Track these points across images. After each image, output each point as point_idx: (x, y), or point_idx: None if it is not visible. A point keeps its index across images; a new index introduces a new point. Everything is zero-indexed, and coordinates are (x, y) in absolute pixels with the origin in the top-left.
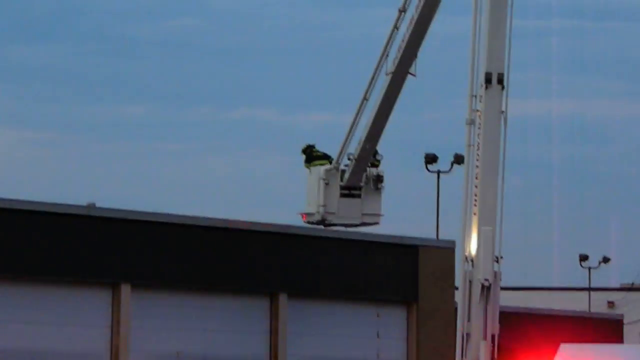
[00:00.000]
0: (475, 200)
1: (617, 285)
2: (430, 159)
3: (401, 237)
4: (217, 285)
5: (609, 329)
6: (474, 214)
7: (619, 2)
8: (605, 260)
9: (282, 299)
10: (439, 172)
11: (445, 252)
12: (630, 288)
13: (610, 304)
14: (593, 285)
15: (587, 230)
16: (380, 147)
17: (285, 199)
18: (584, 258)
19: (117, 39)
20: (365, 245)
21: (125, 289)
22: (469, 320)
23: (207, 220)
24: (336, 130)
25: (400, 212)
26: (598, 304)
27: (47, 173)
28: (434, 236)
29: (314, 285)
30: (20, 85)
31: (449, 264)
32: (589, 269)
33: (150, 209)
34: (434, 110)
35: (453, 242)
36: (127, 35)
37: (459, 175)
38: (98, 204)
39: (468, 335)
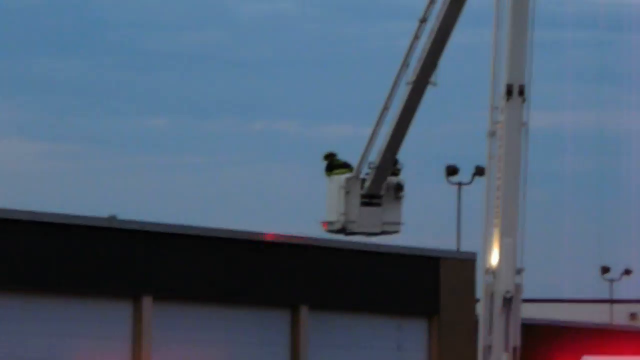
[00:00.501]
0: (497, 212)
1: (639, 297)
2: (452, 170)
3: (422, 249)
4: (239, 297)
5: (631, 341)
6: (495, 225)
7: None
8: (627, 272)
9: (304, 311)
10: (460, 184)
11: (466, 264)
12: None
13: (633, 316)
14: (615, 297)
15: (609, 242)
16: (401, 158)
17: (306, 210)
18: (605, 270)
19: (139, 52)
20: (386, 257)
21: (147, 302)
22: (490, 332)
23: (227, 232)
24: (357, 142)
25: (421, 223)
26: (620, 316)
27: (70, 186)
28: (455, 248)
29: (335, 298)
30: (43, 98)
31: (470, 276)
32: (611, 280)
33: (171, 221)
34: (455, 121)
35: (474, 254)
36: (149, 47)
37: (480, 187)
38: (120, 217)
39: (490, 347)
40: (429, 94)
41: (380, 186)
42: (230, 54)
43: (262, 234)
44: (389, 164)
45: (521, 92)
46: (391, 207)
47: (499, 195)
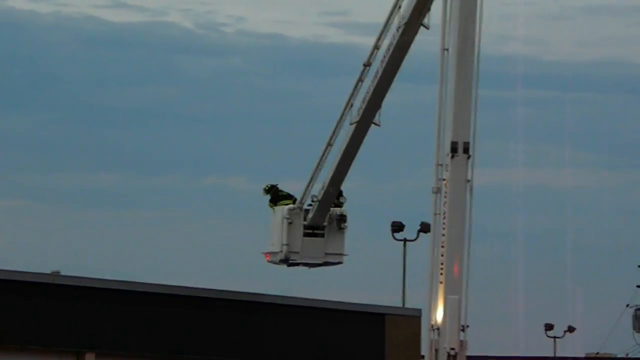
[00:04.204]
0: (442, 268)
1: (583, 355)
2: (397, 227)
3: (368, 305)
4: (184, 352)
5: None
6: (440, 282)
7: (585, 73)
8: (571, 329)
9: None
10: (405, 241)
11: (411, 320)
12: (596, 358)
13: None
14: (558, 354)
15: (553, 299)
16: (348, 214)
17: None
18: (549, 327)
19: (87, 107)
20: (331, 313)
21: (90, 358)
22: None
23: (172, 288)
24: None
25: (367, 280)
26: None
27: (15, 242)
28: (401, 304)
29: (281, 354)
30: None
31: (416, 332)
32: (555, 338)
33: (119, 278)
34: (401, 178)
35: (419, 311)
36: (98, 103)
37: (425, 244)
38: (66, 273)
39: None
40: (374, 152)
41: (324, 217)
42: (180, 110)
43: (206, 289)
44: (331, 197)
45: (466, 150)
46: (334, 238)
47: (443, 252)
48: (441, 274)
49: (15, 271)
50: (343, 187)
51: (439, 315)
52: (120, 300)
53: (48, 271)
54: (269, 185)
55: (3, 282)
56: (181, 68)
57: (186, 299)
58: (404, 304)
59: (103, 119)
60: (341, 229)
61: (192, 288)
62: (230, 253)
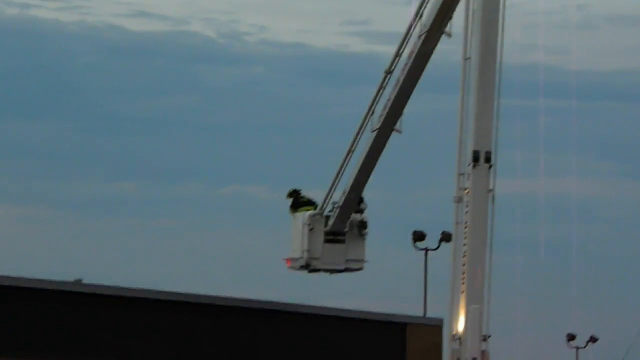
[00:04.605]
0: (463, 278)
1: None
2: (418, 236)
3: (389, 315)
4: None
5: None
6: (462, 291)
7: (608, 82)
8: (593, 339)
9: None
10: (426, 250)
11: (433, 329)
12: None
13: None
14: None
15: (575, 309)
16: (369, 223)
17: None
18: (571, 337)
19: (107, 116)
20: (352, 322)
21: None
22: None
23: (192, 296)
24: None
25: (388, 289)
26: None
27: (37, 250)
28: (422, 314)
29: None
30: (11, 162)
31: (437, 342)
32: (577, 348)
33: (139, 286)
34: (422, 187)
35: (441, 320)
36: (120, 111)
37: (446, 253)
38: (88, 281)
39: None
40: (396, 161)
41: (344, 224)
42: (200, 119)
43: (225, 298)
44: (352, 203)
45: (487, 159)
46: (355, 244)
47: (465, 262)
48: (463, 283)
49: (37, 279)
50: (364, 195)
51: (460, 325)
52: (142, 308)
53: (70, 279)
54: (292, 190)
55: (25, 290)
56: (203, 77)
57: (205, 307)
58: (425, 314)
59: (124, 128)
60: (362, 236)
61: (211, 296)
62: (250, 261)
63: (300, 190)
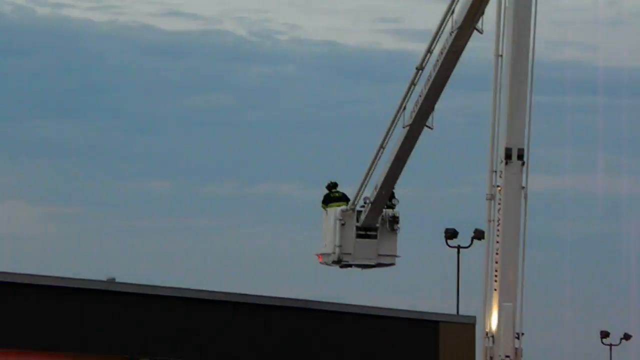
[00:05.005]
0: (496, 275)
1: None
2: (451, 234)
3: (422, 312)
4: (235, 358)
5: None
6: (495, 289)
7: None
8: (627, 337)
9: None
10: (459, 247)
11: (465, 327)
12: None
13: None
14: None
15: (608, 306)
16: (401, 221)
17: (308, 273)
18: (605, 335)
19: (141, 114)
20: (386, 320)
21: None
22: None
23: (225, 295)
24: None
25: (421, 287)
26: None
27: (71, 249)
28: (455, 311)
29: None
30: (46, 161)
31: (470, 340)
32: (610, 345)
33: (172, 285)
34: (455, 185)
35: (474, 318)
36: (152, 110)
37: (479, 251)
38: (121, 280)
39: None
40: (429, 160)
41: (376, 219)
42: (233, 117)
43: (260, 296)
44: (384, 199)
45: (520, 156)
46: (387, 239)
47: (497, 259)
48: (495, 281)
49: (71, 278)
50: (396, 192)
51: (493, 323)
52: (174, 307)
53: (103, 278)
54: (330, 183)
55: (58, 289)
56: (235, 76)
57: (238, 305)
58: (458, 312)
59: (157, 127)
60: (394, 231)
61: (243, 295)
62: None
63: (336, 184)
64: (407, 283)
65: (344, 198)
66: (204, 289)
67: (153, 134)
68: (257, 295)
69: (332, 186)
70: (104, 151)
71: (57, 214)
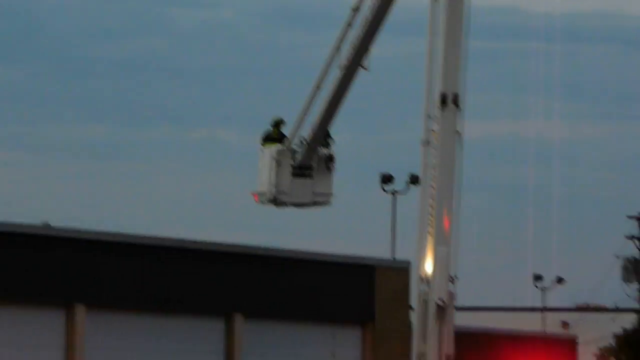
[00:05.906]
0: (431, 220)
1: (573, 306)
2: (386, 179)
3: (357, 257)
4: (173, 305)
5: (562, 349)
6: (430, 234)
7: (574, 24)
8: (560, 280)
9: (238, 319)
10: (394, 192)
11: (401, 272)
12: (586, 308)
13: (565, 325)
14: (547, 305)
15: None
16: (336, 164)
17: (242, 219)
18: (538, 278)
19: (76, 59)
20: (320, 265)
21: (80, 310)
22: (424, 340)
23: (162, 240)
24: None
25: (356, 232)
26: (552, 324)
27: (3, 193)
28: (390, 256)
29: (270, 306)
30: None
31: (405, 284)
32: (543, 289)
33: (106, 229)
34: (390, 130)
35: (409, 263)
36: (87, 54)
37: (414, 196)
38: (53, 224)
39: (423, 355)
40: (363, 104)
41: (312, 158)
42: (168, 62)
43: (197, 242)
44: (319, 139)
45: (455, 101)
46: (322, 178)
47: (433, 204)
48: (430, 226)
49: (4, 223)
50: (331, 132)
51: (428, 267)
52: (110, 251)
53: (38, 222)
54: (278, 119)
55: None
56: (171, 19)
57: (173, 250)
58: (393, 256)
59: (92, 71)
60: (329, 169)
61: (180, 240)
62: (219, 204)
63: (282, 120)
64: (342, 228)
65: (282, 138)
66: (138, 233)
67: (89, 78)
68: (193, 241)
69: (277, 123)
70: (39, 95)
71: None
